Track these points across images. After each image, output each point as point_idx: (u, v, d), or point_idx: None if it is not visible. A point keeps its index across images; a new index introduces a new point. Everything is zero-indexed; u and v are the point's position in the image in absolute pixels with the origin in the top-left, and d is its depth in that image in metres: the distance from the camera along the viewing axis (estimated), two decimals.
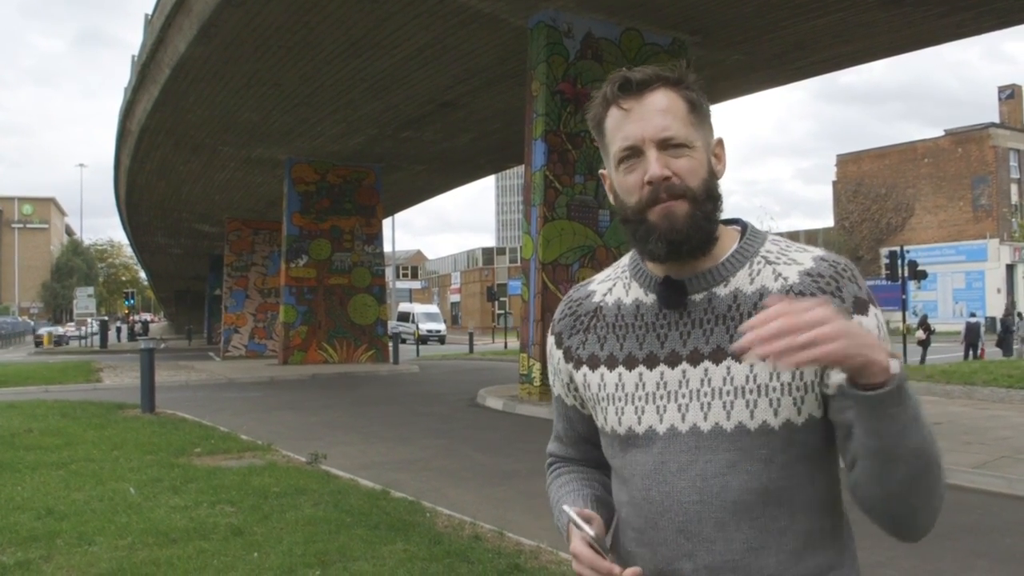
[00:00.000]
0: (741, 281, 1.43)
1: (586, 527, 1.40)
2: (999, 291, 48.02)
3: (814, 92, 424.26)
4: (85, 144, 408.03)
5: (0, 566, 5.31)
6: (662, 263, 1.44)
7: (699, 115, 1.43)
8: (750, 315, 1.38)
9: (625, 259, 1.57)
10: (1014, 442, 10.23)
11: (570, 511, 1.43)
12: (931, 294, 48.28)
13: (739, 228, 1.49)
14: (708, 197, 1.40)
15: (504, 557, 5.54)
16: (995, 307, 47.51)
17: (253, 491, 7.51)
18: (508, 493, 8.28)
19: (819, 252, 1.44)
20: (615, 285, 1.54)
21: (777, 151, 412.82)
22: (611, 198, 1.50)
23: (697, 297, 1.43)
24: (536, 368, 15.27)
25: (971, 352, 25.61)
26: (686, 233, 1.38)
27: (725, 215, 1.47)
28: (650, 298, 1.47)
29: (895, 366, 1.21)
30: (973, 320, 26.90)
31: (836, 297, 1.37)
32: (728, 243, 1.46)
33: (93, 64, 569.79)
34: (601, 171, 1.54)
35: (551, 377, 1.66)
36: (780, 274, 1.42)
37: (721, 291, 1.43)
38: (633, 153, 1.40)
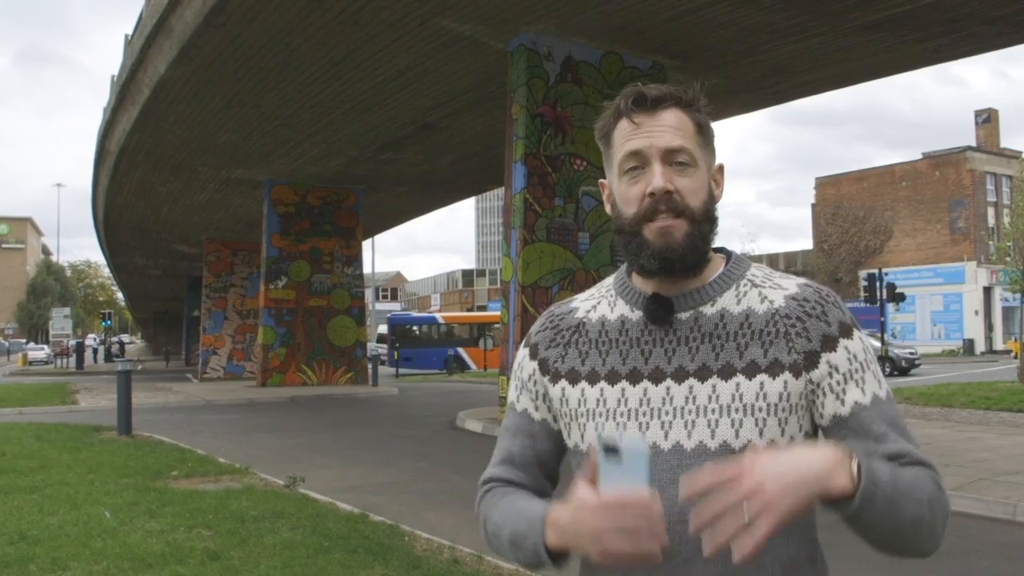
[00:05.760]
0: (728, 301, 1.44)
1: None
2: (976, 313, 48.51)
3: (770, 115, 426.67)
4: (47, 163, 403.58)
5: None
6: (652, 277, 1.45)
7: (705, 138, 1.46)
8: (736, 335, 1.40)
9: (610, 279, 1.58)
10: (991, 464, 10.28)
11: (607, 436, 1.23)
12: (909, 316, 48.73)
13: (724, 256, 1.51)
14: (706, 218, 1.43)
15: None
16: (972, 329, 47.99)
17: (230, 515, 7.44)
18: None
19: (802, 280, 1.47)
20: (599, 303, 1.54)
21: (740, 173, 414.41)
22: (608, 208, 1.51)
23: (684, 315, 1.44)
24: None
25: None
26: (681, 252, 1.40)
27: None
28: (636, 314, 1.47)
29: (843, 484, 1.21)
30: None
31: (821, 321, 1.40)
32: (715, 266, 1.48)
33: (39, 82, 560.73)
34: (601, 180, 1.55)
35: (514, 392, 1.59)
36: (766, 297, 1.44)
37: (708, 310, 1.44)
38: (639, 164, 1.42)
